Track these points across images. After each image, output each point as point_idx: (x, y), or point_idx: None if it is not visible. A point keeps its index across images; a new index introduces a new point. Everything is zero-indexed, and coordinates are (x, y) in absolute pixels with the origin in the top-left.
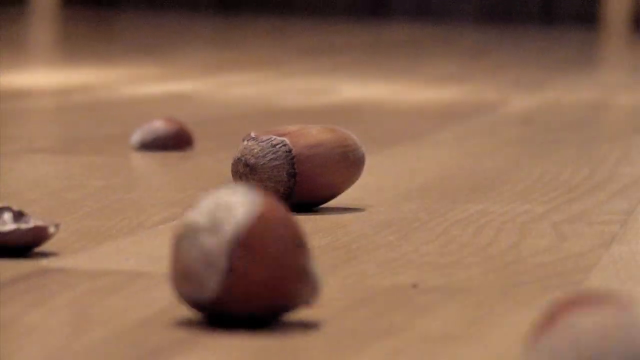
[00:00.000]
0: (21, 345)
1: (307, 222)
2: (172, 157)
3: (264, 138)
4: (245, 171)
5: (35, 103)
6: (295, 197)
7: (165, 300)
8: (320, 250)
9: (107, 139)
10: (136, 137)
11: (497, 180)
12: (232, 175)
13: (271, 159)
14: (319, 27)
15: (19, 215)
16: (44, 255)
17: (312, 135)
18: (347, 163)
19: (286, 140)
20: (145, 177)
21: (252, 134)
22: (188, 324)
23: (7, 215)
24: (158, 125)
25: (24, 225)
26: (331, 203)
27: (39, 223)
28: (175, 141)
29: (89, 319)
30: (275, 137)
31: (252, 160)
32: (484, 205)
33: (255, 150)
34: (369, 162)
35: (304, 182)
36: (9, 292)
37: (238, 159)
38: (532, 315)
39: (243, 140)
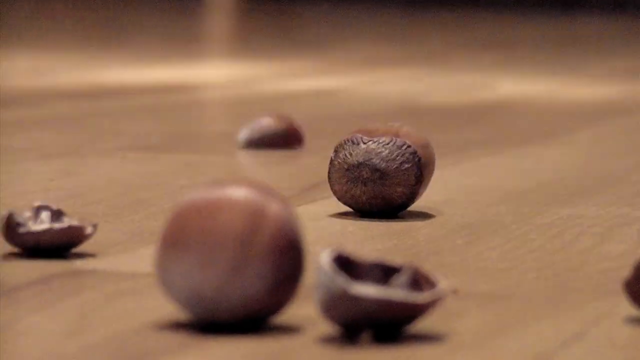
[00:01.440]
0: (12, 347)
1: (379, 227)
2: (277, 155)
3: (386, 140)
4: (374, 177)
5: (189, 96)
6: (412, 202)
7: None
8: (378, 254)
9: (227, 136)
10: (243, 134)
11: (606, 183)
12: (349, 182)
13: (402, 162)
14: (497, 19)
15: (57, 215)
16: (82, 256)
17: (414, 135)
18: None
19: (406, 141)
20: (236, 175)
21: (359, 135)
22: (191, 327)
23: (45, 215)
24: (266, 123)
25: (57, 225)
26: (422, 205)
27: (74, 223)
28: (283, 139)
29: (90, 322)
30: (394, 138)
31: (383, 165)
32: (577, 209)
33: (384, 154)
34: (485, 162)
35: (423, 186)
36: (29, 292)
37: (360, 163)
38: (565, 324)
39: (352, 143)
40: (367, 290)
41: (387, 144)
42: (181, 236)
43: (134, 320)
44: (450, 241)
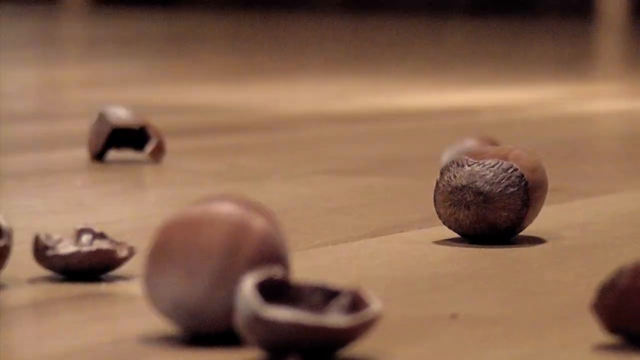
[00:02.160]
0: None
1: (462, 252)
2: None
3: (492, 162)
4: (477, 200)
5: (460, 120)
6: (520, 228)
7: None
8: (420, 280)
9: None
10: (446, 156)
11: None
12: (453, 205)
13: (507, 185)
14: None
15: (99, 238)
16: (117, 279)
17: (525, 157)
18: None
19: (514, 164)
20: (403, 199)
21: (465, 158)
22: (171, 340)
23: (85, 237)
24: (469, 144)
25: (85, 248)
26: (544, 229)
27: (104, 247)
28: None
29: (44, 341)
30: (501, 160)
31: (487, 188)
32: None
33: (488, 177)
34: None
35: (531, 211)
36: (30, 312)
37: (463, 186)
38: (520, 352)
39: (457, 165)
40: (281, 314)
41: (493, 166)
42: (166, 249)
43: (72, 342)
44: (512, 267)
